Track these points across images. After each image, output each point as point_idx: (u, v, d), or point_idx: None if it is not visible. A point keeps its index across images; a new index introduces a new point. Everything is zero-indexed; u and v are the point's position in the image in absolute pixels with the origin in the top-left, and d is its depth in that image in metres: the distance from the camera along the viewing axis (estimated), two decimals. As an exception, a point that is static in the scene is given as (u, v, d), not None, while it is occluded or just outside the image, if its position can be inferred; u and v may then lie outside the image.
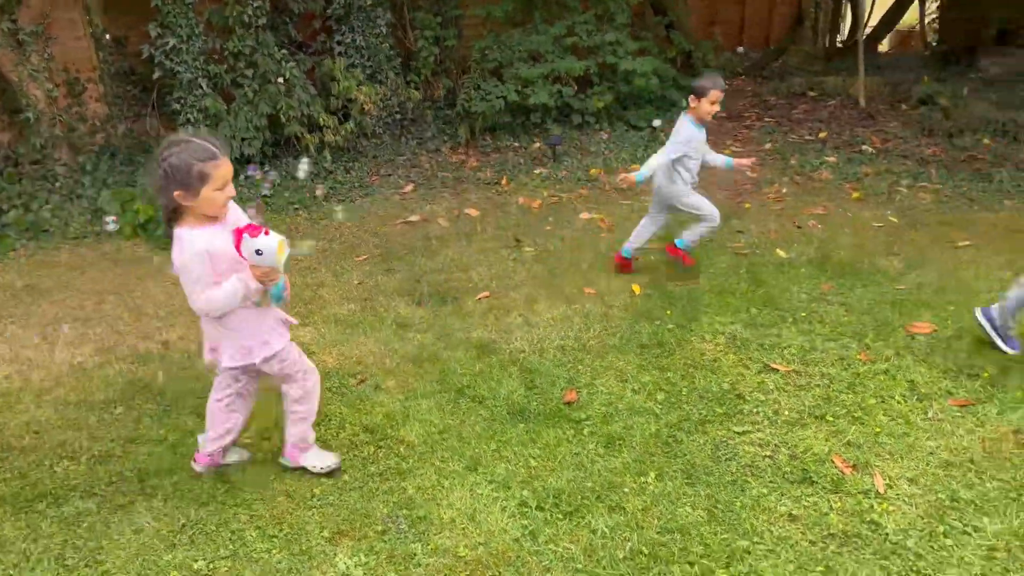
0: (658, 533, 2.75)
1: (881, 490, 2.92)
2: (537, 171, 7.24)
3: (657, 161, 4.59)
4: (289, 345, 2.84)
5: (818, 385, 3.63)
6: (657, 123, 8.40)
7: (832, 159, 7.36)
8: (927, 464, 3.05)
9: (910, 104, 8.75)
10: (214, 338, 2.79)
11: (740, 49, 12.52)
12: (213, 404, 3.00)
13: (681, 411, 3.47)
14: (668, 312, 4.43)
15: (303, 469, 3.08)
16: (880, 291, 4.58)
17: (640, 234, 4.99)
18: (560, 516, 2.84)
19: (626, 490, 2.97)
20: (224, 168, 2.46)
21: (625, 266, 5.05)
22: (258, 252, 2.45)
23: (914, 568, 2.56)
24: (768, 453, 3.17)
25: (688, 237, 4.92)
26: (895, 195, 6.39)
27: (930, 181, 6.59)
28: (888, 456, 3.11)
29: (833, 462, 3.08)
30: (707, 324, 4.25)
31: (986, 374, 3.63)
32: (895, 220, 5.82)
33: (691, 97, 4.57)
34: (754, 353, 3.94)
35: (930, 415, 3.36)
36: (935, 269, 4.85)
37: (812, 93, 9.97)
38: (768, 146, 8.02)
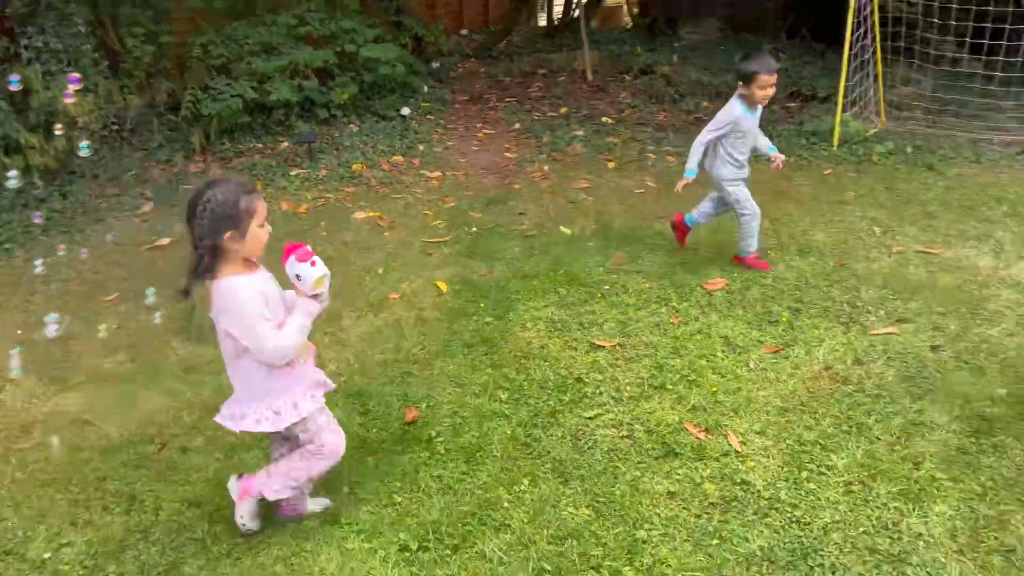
0: (552, 543, 2.61)
1: (739, 448, 3.02)
2: (294, 173, 6.71)
3: (695, 144, 4.42)
4: (317, 412, 2.58)
5: (646, 355, 3.70)
6: (406, 111, 8.19)
7: (580, 132, 7.66)
8: (767, 414, 3.22)
9: (632, 74, 9.39)
10: (242, 400, 2.52)
11: (463, 31, 12.65)
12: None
13: (529, 406, 3.35)
14: (482, 305, 4.29)
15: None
16: (667, 254, 4.81)
17: (702, 208, 4.77)
18: (448, 551, 2.59)
19: (505, 504, 2.79)
20: (263, 202, 2.38)
21: (681, 231, 4.86)
22: (297, 277, 2.42)
23: (793, 519, 2.67)
24: (625, 433, 3.16)
25: (742, 246, 4.54)
26: (645, 161, 6.79)
27: (672, 145, 7.10)
28: (732, 413, 3.24)
29: (687, 430, 3.14)
30: (523, 312, 4.18)
31: (784, 318, 3.94)
32: (653, 184, 6.18)
33: (739, 84, 4.30)
34: (576, 334, 3.93)
35: (752, 366, 3.56)
36: (704, 227, 5.19)
37: (542, 71, 10.33)
38: (517, 126, 8.16)
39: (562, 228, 5.36)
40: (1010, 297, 4.02)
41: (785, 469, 2.90)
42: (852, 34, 6.26)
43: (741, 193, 4.46)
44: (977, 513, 2.64)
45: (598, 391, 3.45)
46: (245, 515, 2.67)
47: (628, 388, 3.46)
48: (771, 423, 3.16)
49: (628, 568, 2.50)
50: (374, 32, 8.09)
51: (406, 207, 6.01)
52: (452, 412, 3.36)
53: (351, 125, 7.82)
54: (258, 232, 2.36)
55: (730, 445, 3.05)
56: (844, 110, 6.54)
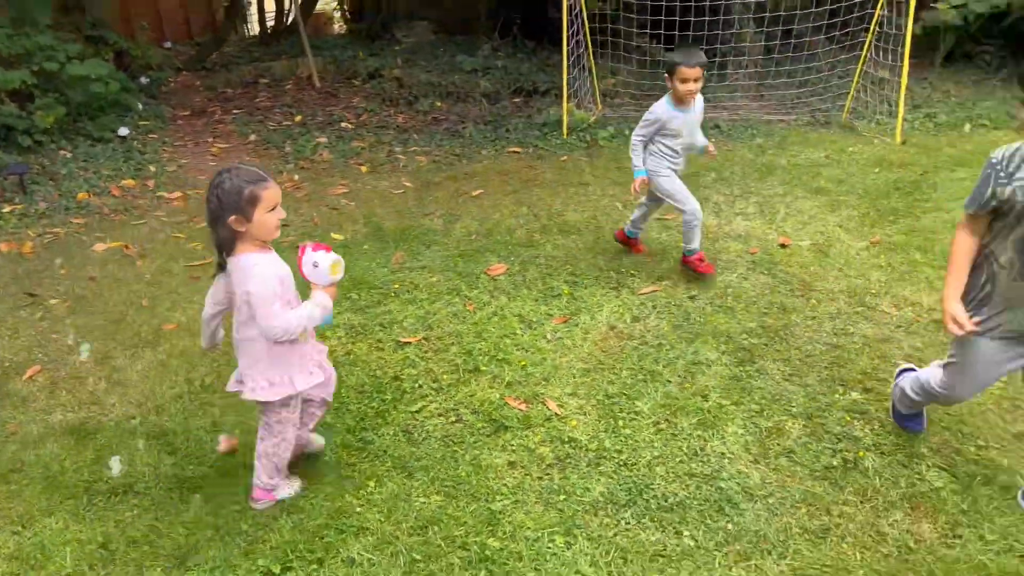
0: (414, 534, 2.67)
1: (558, 412, 3.28)
2: (7, 209, 5.90)
3: (631, 144, 4.31)
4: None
5: (452, 344, 3.85)
6: (124, 132, 7.52)
7: (324, 139, 7.58)
8: (573, 377, 3.52)
9: (361, 79, 9.44)
10: (243, 368, 2.67)
11: (167, 44, 11.81)
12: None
13: (352, 412, 3.35)
14: (272, 322, 4.15)
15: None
16: (444, 247, 4.99)
17: (634, 218, 4.66)
18: (314, 566, 2.54)
19: (357, 509, 2.79)
20: (273, 190, 2.48)
21: (630, 244, 4.75)
22: (315, 264, 2.57)
23: (621, 463, 2.97)
24: (454, 419, 3.29)
25: (684, 247, 4.37)
26: (397, 163, 6.91)
27: (419, 146, 7.28)
28: (544, 382, 3.50)
29: (509, 404, 3.34)
30: (318, 322, 4.11)
31: (565, 291, 4.29)
32: (411, 184, 6.33)
33: (665, 76, 4.19)
34: (379, 335, 3.97)
35: (550, 338, 3.86)
36: (470, 217, 5.45)
37: (264, 80, 10.01)
38: (253, 137, 7.86)
39: (333, 235, 5.31)
40: (736, 247, 4.74)
41: (602, 422, 3.21)
42: (568, 30, 6.87)
43: (673, 184, 4.28)
44: (760, 427, 3.14)
45: (417, 384, 3.53)
46: (284, 491, 2.86)
47: (445, 376, 3.58)
48: (579, 384, 3.47)
49: (492, 539, 2.63)
50: (76, 48, 7.31)
51: (152, 233, 5.57)
52: (273, 432, 3.25)
53: (63, 151, 7.02)
54: (265, 218, 2.48)
55: (550, 410, 3.30)
56: (568, 101, 7.17)
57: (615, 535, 2.64)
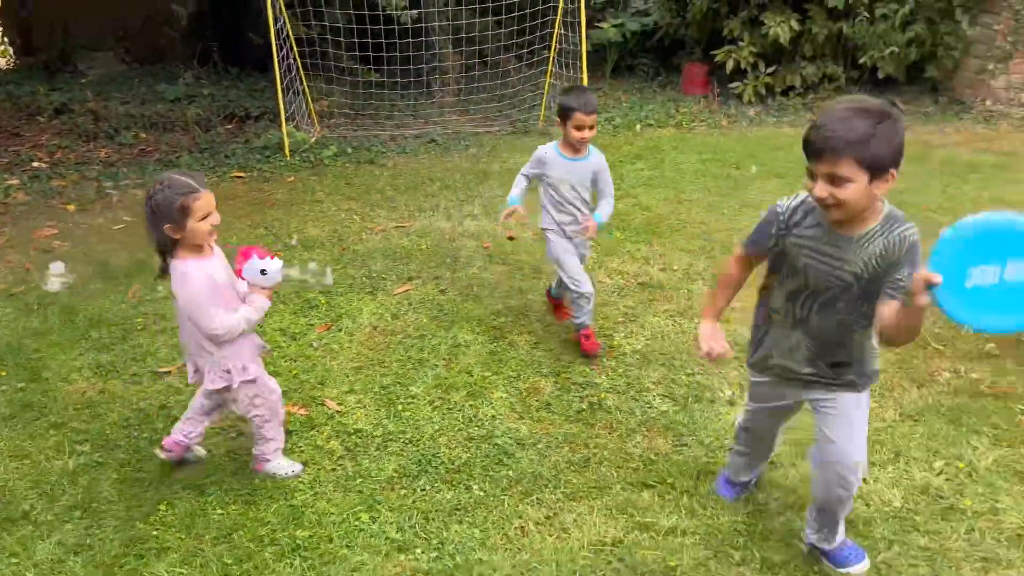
0: (219, 543, 2.72)
1: (339, 409, 3.47)
2: None
3: (518, 174, 3.93)
4: (263, 376, 2.93)
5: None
6: None
7: (14, 181, 6.86)
8: (347, 376, 3.71)
9: (47, 115, 8.63)
10: (202, 361, 2.84)
11: None
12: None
13: (122, 447, 3.25)
14: (3, 373, 3.81)
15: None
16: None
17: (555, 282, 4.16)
18: (121, 594, 2.50)
19: (153, 533, 2.77)
20: (204, 200, 2.62)
21: (557, 306, 4.26)
22: (263, 272, 2.75)
23: (407, 441, 3.24)
24: (235, 434, 3.33)
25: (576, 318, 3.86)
26: (110, 198, 6.49)
27: (130, 179, 6.89)
28: (319, 386, 3.65)
29: (290, 411, 3.44)
30: (59, 368, 3.86)
31: (322, 301, 4.44)
32: (130, 218, 5.99)
33: (557, 120, 3.74)
34: (133, 368, 3.84)
35: (316, 345, 4.01)
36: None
37: (-81, 122, 8.72)
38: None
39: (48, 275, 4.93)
40: (471, 244, 5.21)
41: (382, 410, 3.46)
42: (277, 55, 6.96)
43: (558, 250, 3.80)
44: (519, 389, 3.58)
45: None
46: (284, 469, 3.04)
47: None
48: (355, 381, 3.67)
49: (299, 530, 2.77)
50: None
51: None
52: (34, 483, 3.06)
53: None
54: (197, 226, 2.63)
55: (331, 409, 3.47)
56: (286, 123, 7.24)
57: (414, 502, 2.90)
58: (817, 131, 2.01)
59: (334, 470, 3.10)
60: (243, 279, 2.80)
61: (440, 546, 2.68)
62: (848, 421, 2.34)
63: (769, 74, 8.18)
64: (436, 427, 3.33)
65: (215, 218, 2.68)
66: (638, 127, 7.79)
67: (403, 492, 2.96)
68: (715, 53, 8.29)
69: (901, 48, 7.70)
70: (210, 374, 2.82)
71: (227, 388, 2.84)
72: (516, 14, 7.95)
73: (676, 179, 6.21)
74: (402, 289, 4.59)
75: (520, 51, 8.29)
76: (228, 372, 2.81)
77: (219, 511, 2.87)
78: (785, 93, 8.20)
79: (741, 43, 8.09)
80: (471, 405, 3.47)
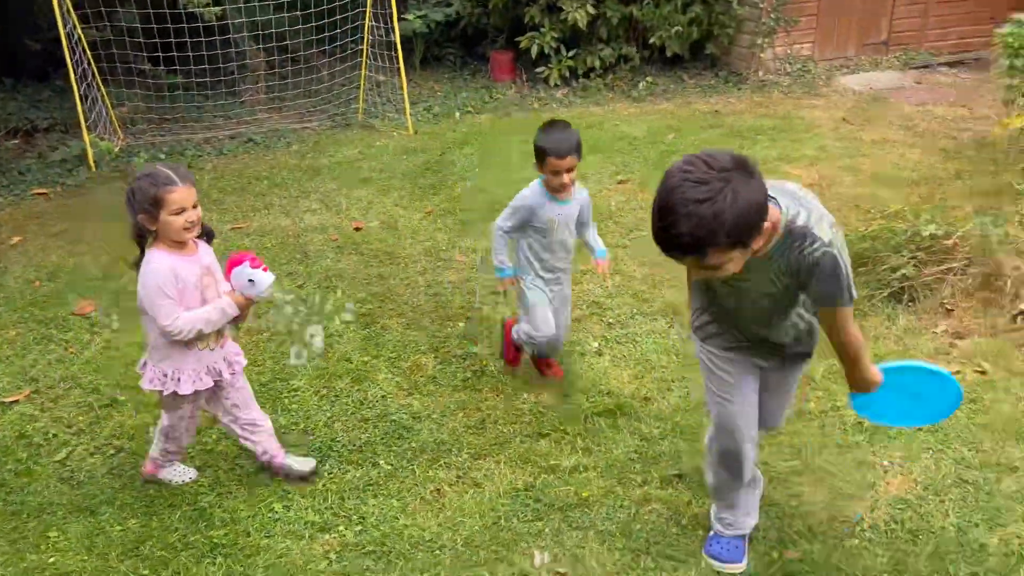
0: (128, 556, 2.63)
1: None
2: None
3: (494, 234, 3.36)
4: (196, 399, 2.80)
5: (72, 388, 3.62)
6: None
7: None
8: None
9: None
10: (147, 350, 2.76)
11: None
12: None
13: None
14: None
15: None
16: (7, 302, 4.45)
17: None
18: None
19: (50, 560, 2.63)
20: (179, 194, 2.54)
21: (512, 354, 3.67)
22: (250, 281, 2.64)
23: (302, 431, 3.25)
24: (113, 451, 3.18)
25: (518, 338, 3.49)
26: None
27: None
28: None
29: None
30: None
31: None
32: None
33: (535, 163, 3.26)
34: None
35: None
36: (20, 266, 4.91)
37: None
38: None
39: None
40: (319, 238, 5.17)
41: (267, 406, 3.40)
42: (71, 59, 6.44)
43: (534, 300, 3.33)
44: (402, 368, 3.68)
45: (50, 435, 3.28)
46: (179, 475, 2.98)
47: (80, 418, 3.39)
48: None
49: (212, 531, 2.74)
50: None
51: None
52: None
53: None
54: (170, 219, 2.54)
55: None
56: (88, 133, 6.72)
57: (324, 485, 2.94)
58: (666, 232, 1.78)
59: (232, 469, 3.05)
60: (229, 283, 2.70)
61: (362, 520, 2.75)
62: (788, 390, 2.49)
63: (571, 57, 8.68)
64: (328, 414, 3.36)
65: (192, 214, 2.58)
66: (457, 115, 7.99)
67: (311, 478, 2.98)
68: (519, 40, 8.66)
69: (684, 28, 8.47)
70: (148, 372, 2.71)
71: (161, 393, 2.73)
72: (325, 7, 7.86)
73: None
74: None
75: (332, 45, 8.20)
76: (164, 376, 2.69)
77: (118, 527, 2.76)
78: (587, 75, 8.72)
79: (543, 29, 8.52)
80: (358, 390, 3.53)
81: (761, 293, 2.10)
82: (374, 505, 2.82)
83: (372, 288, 4.46)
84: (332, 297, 4.36)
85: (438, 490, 2.89)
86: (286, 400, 3.47)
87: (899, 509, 2.58)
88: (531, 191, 3.30)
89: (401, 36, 7.62)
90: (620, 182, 5.90)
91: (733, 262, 1.85)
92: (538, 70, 8.77)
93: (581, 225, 3.40)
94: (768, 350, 2.31)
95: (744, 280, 2.04)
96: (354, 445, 3.15)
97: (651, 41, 8.61)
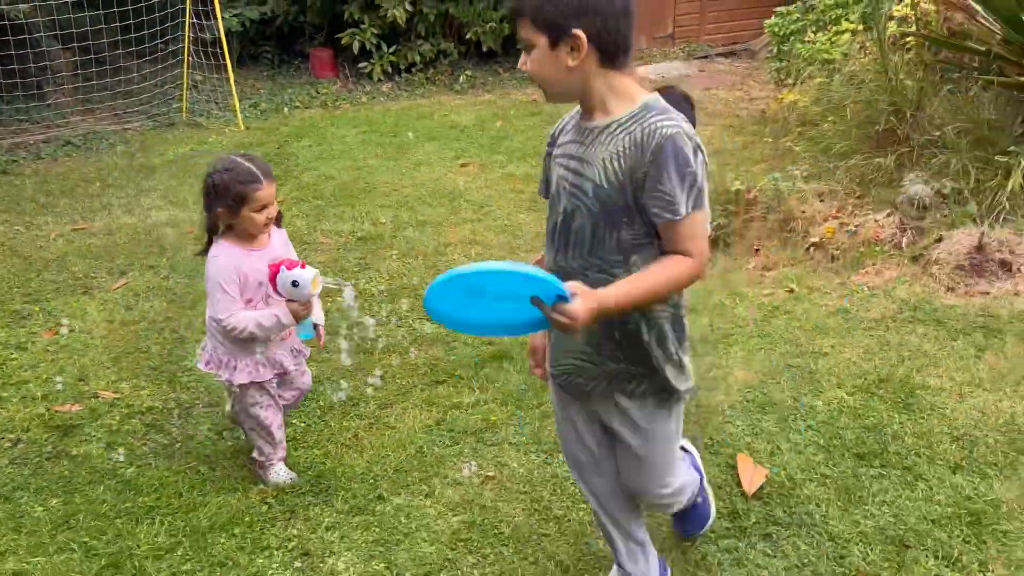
0: (62, 530, 2.67)
1: (117, 395, 3.43)
2: None
3: None
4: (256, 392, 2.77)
5: (-62, 393, 3.47)
6: None
7: None
8: (106, 367, 3.64)
9: None
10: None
11: None
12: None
13: None
14: None
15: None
16: None
17: None
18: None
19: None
20: (264, 191, 2.54)
21: None
22: (294, 283, 2.52)
23: (210, 403, 3.38)
24: (10, 444, 3.14)
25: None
26: None
27: None
28: (81, 382, 3.54)
29: (60, 412, 3.32)
30: None
31: (35, 309, 4.14)
32: None
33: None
34: None
35: (52, 349, 3.80)
36: None
37: None
38: None
39: None
40: (171, 232, 5.14)
41: (165, 386, 3.51)
42: None
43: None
44: (292, 340, 3.86)
45: None
46: (282, 476, 2.90)
47: None
48: (120, 370, 3.63)
49: (142, 497, 2.83)
50: None
51: None
52: None
53: None
54: (251, 216, 2.56)
55: (108, 399, 3.41)
56: None
57: (243, 447, 3.11)
58: None
59: (145, 444, 3.14)
60: (279, 295, 2.61)
61: (292, 467, 2.96)
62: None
63: (392, 53, 8.97)
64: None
65: (272, 210, 2.60)
66: (286, 110, 8.04)
67: (230, 443, 3.14)
68: (340, 36, 8.82)
69: (497, 24, 9.03)
70: (206, 354, 2.77)
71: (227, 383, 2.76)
72: (130, 7, 7.61)
73: (346, 150, 6.68)
74: (120, 284, 4.45)
75: (140, 46, 7.93)
76: (220, 361, 2.72)
77: (40, 508, 2.79)
78: (408, 69, 9.05)
79: (363, 26, 8.74)
80: (254, 361, 3.68)
81: (585, 199, 1.77)
82: (298, 456, 3.03)
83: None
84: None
85: (355, 436, 3.15)
86: (184, 379, 3.55)
87: (748, 391, 3.19)
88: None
89: (214, 35, 7.59)
90: (462, 165, 6.31)
91: (537, 52, 1.71)
92: (360, 66, 8.99)
93: None
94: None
95: (578, 160, 1.79)
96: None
97: (468, 36, 9.11)
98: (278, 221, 2.73)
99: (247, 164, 2.56)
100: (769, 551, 2.42)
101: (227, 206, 2.54)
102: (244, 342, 2.65)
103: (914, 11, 4.88)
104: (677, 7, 10.32)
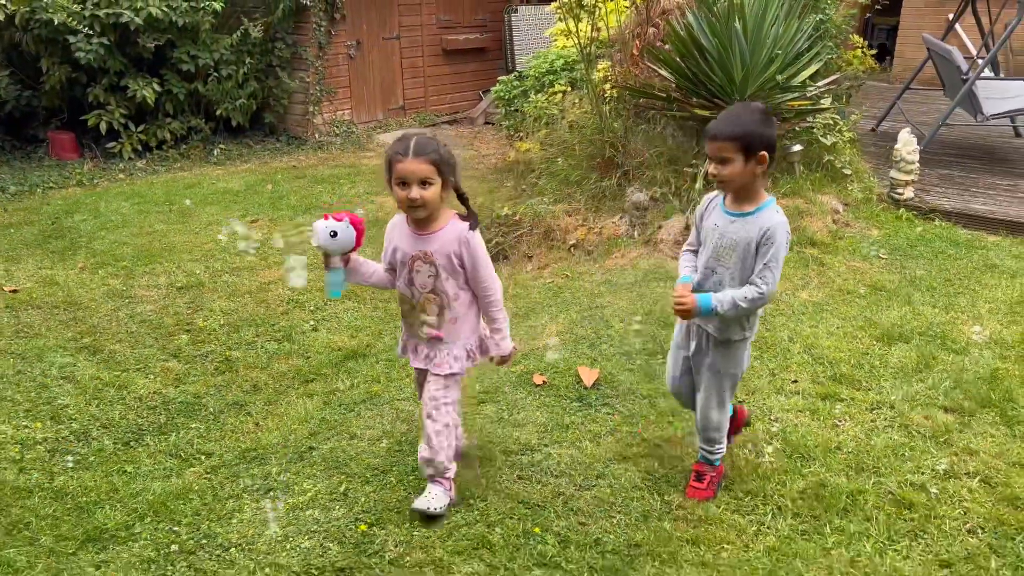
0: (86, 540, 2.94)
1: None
2: None
3: None
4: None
5: None
6: None
7: None
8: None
9: None
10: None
11: None
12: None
13: None
14: None
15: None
16: None
17: None
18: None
19: None
20: (404, 165, 2.54)
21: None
22: (333, 234, 2.65)
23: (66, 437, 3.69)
24: None
25: None
26: None
27: None
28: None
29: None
30: None
31: None
32: None
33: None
34: None
35: None
36: None
37: None
38: None
39: None
40: None
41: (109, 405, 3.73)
42: None
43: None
44: (153, 370, 4.23)
45: None
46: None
47: None
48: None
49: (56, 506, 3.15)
50: None
51: None
52: None
53: None
54: (394, 189, 2.62)
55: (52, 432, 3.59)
56: None
57: (155, 447, 3.50)
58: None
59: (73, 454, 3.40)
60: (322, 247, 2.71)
61: (211, 454, 3.43)
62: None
63: (141, 132, 9.12)
64: (97, 418, 3.82)
65: (412, 192, 2.55)
66: (39, 191, 7.89)
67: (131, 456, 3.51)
68: (86, 118, 8.80)
69: (245, 101, 9.60)
70: (447, 355, 2.81)
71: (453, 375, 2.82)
72: None
73: (127, 220, 6.85)
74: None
75: None
76: (467, 353, 2.82)
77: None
78: (159, 147, 9.25)
79: (109, 107, 8.83)
80: (128, 392, 4.01)
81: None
82: (213, 444, 3.51)
83: (78, 327, 4.75)
84: (38, 342, 4.56)
85: (257, 424, 3.69)
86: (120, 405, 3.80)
87: (564, 335, 4.27)
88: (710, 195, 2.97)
89: None
90: (252, 222, 6.83)
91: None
92: (109, 145, 9.04)
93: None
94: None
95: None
96: (161, 424, 3.72)
97: (218, 113, 9.56)
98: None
99: (415, 137, 2.61)
100: (608, 411, 3.51)
101: (387, 173, 2.65)
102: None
103: (613, 73, 6.49)
104: (404, 83, 11.61)
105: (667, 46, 6.09)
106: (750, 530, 2.84)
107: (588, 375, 3.86)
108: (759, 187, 2.68)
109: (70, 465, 3.40)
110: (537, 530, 2.87)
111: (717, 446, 3.01)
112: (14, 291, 5.35)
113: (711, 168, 2.65)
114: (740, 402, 3.56)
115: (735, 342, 2.82)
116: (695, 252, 2.91)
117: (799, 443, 3.33)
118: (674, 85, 5.98)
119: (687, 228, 5.24)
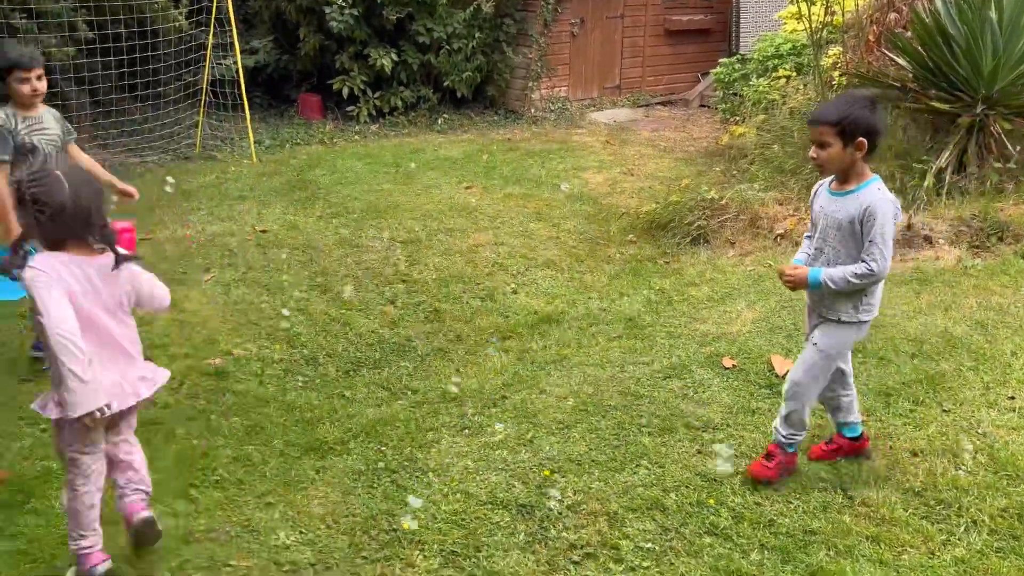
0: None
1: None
2: None
3: None
4: None
5: None
6: None
7: None
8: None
9: None
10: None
11: None
12: None
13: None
14: None
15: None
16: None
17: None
18: (221, 472, 3.12)
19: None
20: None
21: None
22: None
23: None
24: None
25: None
26: None
27: None
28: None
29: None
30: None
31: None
32: None
33: None
34: None
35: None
36: None
37: None
38: None
39: None
40: (235, 240, 5.89)
41: (287, 355, 4.28)
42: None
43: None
44: (375, 310, 4.70)
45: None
46: None
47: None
48: (240, 336, 4.38)
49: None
50: None
51: None
52: None
53: None
54: None
55: (243, 354, 4.17)
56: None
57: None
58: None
59: (288, 382, 3.91)
60: None
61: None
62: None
63: (377, 98, 9.94)
64: (324, 348, 4.31)
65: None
66: (288, 147, 8.86)
67: (355, 377, 3.95)
68: (332, 82, 9.75)
69: (471, 73, 10.14)
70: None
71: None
72: (138, 55, 8.37)
73: (359, 177, 7.55)
74: (208, 278, 5.20)
75: (145, 90, 8.66)
76: None
77: (224, 423, 3.53)
78: (391, 113, 10.03)
79: (352, 73, 9.69)
80: (350, 327, 4.50)
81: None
82: (419, 383, 3.88)
83: (313, 268, 5.37)
84: (280, 276, 5.20)
85: (457, 370, 4.02)
86: (300, 340, 4.34)
87: (760, 323, 4.25)
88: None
89: (213, 80, 8.42)
90: (467, 187, 7.27)
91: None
92: (348, 109, 9.91)
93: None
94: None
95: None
96: (376, 360, 4.15)
97: (445, 84, 10.17)
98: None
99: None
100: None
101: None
102: None
103: (843, 59, 6.19)
104: (623, 63, 11.66)
105: (908, 33, 5.71)
106: (938, 538, 2.73)
107: (781, 364, 3.80)
108: (862, 168, 2.79)
109: (300, 384, 3.91)
110: (712, 502, 2.93)
111: (794, 432, 3.01)
112: (263, 231, 6.11)
113: (811, 152, 2.81)
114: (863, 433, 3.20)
115: (844, 323, 2.88)
116: (811, 237, 3.01)
117: (1008, 460, 3.11)
118: (911, 75, 5.61)
119: (908, 228, 4.94)
